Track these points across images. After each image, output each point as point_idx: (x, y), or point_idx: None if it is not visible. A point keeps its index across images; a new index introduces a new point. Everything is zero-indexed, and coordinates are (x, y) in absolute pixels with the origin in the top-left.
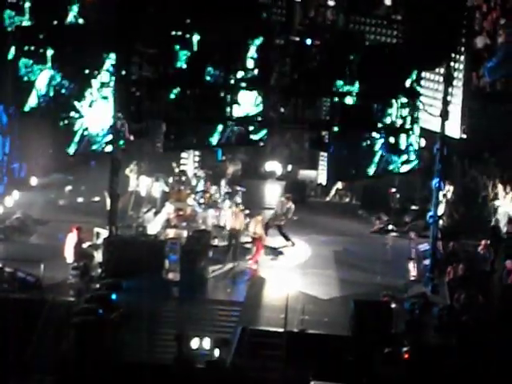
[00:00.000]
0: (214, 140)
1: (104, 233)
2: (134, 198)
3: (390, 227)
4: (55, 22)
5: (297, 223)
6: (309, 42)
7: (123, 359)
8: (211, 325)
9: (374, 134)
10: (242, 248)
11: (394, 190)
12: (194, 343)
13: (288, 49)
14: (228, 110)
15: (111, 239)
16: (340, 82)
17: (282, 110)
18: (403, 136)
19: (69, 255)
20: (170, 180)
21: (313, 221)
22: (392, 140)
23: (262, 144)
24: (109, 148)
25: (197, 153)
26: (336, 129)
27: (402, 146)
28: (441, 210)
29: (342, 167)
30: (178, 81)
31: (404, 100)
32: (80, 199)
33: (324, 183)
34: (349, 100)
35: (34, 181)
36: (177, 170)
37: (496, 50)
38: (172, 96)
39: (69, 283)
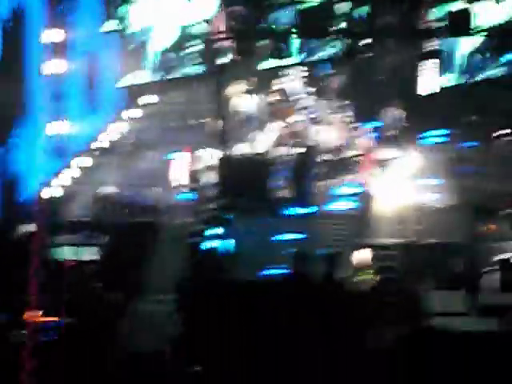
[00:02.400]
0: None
1: (214, 153)
2: (244, 116)
3: (505, 132)
4: None
5: (407, 131)
6: None
7: (237, 277)
8: (325, 240)
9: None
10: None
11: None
12: (309, 259)
13: None
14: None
15: (221, 159)
16: None
17: (385, 19)
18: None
19: (182, 177)
20: (276, 97)
21: (423, 129)
22: (499, 42)
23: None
24: None
25: (301, 68)
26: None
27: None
28: None
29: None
30: None
31: None
32: (189, 121)
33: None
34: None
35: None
36: (282, 87)
37: None
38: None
39: (183, 205)
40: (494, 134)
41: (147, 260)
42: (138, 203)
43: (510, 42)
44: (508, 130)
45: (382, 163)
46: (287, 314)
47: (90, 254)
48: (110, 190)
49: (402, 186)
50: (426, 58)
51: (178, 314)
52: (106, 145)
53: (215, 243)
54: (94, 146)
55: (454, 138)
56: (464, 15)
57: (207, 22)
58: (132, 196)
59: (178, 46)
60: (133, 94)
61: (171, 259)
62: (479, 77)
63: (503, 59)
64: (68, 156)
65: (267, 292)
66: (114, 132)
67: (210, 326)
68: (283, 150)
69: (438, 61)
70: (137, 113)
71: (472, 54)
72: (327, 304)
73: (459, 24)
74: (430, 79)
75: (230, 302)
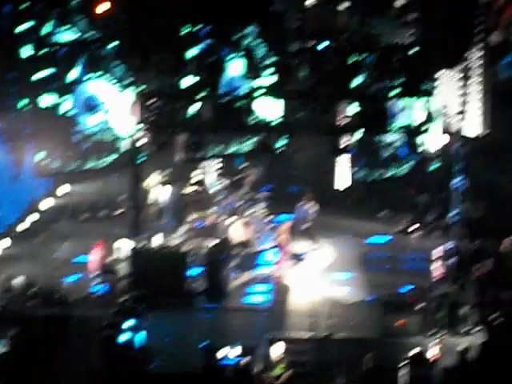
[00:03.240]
0: (235, 148)
1: (128, 245)
2: (156, 209)
3: (414, 227)
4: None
5: (321, 226)
6: (324, 45)
7: (150, 370)
8: (238, 333)
9: (394, 136)
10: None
11: (416, 189)
12: (222, 352)
13: (303, 54)
14: (247, 117)
15: (135, 252)
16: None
17: (301, 115)
18: (423, 136)
19: (93, 269)
20: (192, 190)
21: (337, 223)
22: (412, 141)
23: (282, 150)
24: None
25: (217, 161)
26: (356, 132)
27: (422, 147)
28: (464, 208)
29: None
30: (196, 91)
31: (422, 100)
32: (103, 212)
33: (345, 186)
34: (367, 103)
35: (63, 189)
36: (198, 179)
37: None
38: (191, 106)
39: (94, 297)
40: (404, 228)
41: (59, 353)
42: (50, 294)
43: (417, 141)
44: (417, 225)
45: (295, 256)
46: None
47: None
48: (20, 280)
49: (315, 279)
50: (341, 154)
51: None
52: (19, 234)
53: (128, 335)
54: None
55: (366, 232)
56: (380, 113)
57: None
58: (44, 286)
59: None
60: (49, 183)
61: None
62: (389, 173)
63: (411, 157)
64: None
65: None
66: (27, 221)
67: None
68: (197, 243)
69: (351, 156)
70: (51, 202)
71: (383, 150)
72: None
73: (375, 121)
74: (344, 174)
75: None
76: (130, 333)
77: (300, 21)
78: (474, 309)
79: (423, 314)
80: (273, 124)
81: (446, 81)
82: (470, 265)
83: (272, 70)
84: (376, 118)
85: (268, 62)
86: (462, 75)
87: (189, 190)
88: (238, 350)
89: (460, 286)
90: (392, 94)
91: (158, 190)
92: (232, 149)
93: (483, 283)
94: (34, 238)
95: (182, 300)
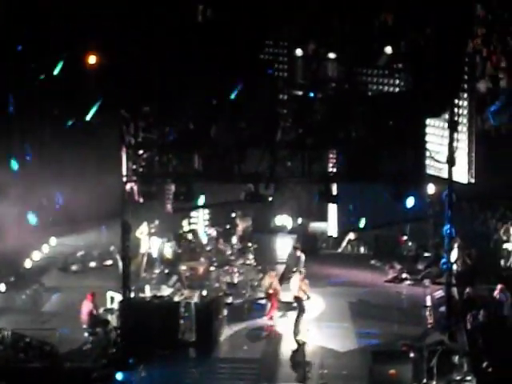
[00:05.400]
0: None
1: (118, 296)
2: (147, 259)
3: (404, 275)
4: None
5: (310, 276)
6: (312, 95)
7: None
8: None
9: (381, 184)
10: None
11: (405, 237)
12: None
13: (291, 103)
14: (235, 167)
15: (126, 302)
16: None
17: (289, 164)
18: (412, 184)
19: (84, 321)
20: (182, 239)
21: (326, 273)
22: (400, 189)
23: (271, 199)
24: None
25: (207, 211)
26: (343, 180)
27: (411, 195)
28: (454, 256)
29: (352, 218)
30: (185, 142)
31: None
32: (92, 264)
33: (335, 235)
34: (354, 151)
35: (53, 241)
36: (187, 229)
37: (499, 93)
38: (179, 157)
39: (85, 349)
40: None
41: None
42: (41, 346)
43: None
44: (407, 273)
45: (285, 305)
46: None
47: None
48: (10, 332)
49: (306, 328)
50: (331, 202)
51: None
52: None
53: None
54: None
55: (356, 281)
56: (368, 161)
57: None
58: (34, 339)
59: None
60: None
61: None
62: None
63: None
64: None
65: None
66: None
67: None
68: (188, 293)
69: (340, 204)
70: (41, 254)
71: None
72: None
73: (363, 169)
74: (334, 222)
75: None
76: None
77: (288, 71)
78: (465, 357)
79: (414, 362)
80: (260, 173)
81: (434, 129)
82: (460, 313)
83: (260, 119)
84: (364, 166)
85: (256, 111)
86: (449, 123)
87: (179, 239)
88: None
89: (451, 334)
90: (380, 142)
91: (148, 240)
92: (222, 198)
93: (474, 331)
94: (25, 290)
95: (172, 351)
